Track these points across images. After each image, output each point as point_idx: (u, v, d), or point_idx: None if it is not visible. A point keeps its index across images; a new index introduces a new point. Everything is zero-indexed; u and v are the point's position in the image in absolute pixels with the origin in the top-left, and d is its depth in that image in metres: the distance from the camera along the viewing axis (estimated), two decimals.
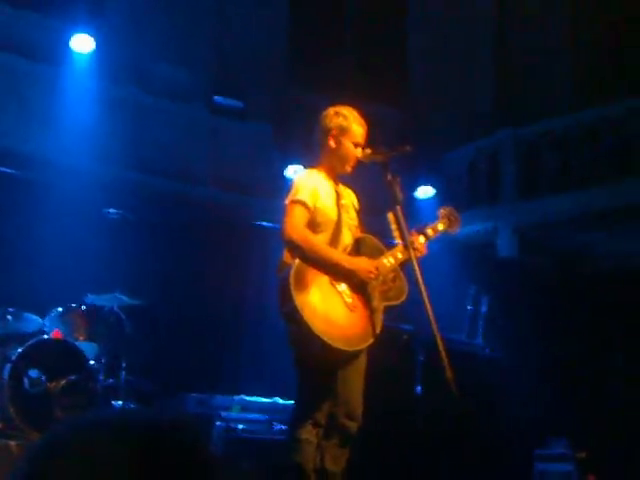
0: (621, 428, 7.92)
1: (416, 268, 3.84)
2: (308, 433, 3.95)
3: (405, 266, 4.16)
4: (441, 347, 3.65)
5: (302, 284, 3.84)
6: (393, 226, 4.04)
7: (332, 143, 4.21)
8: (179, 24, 10.91)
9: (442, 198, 11.11)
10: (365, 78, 12.14)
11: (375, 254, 4.15)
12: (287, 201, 4.06)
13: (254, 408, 7.11)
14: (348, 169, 4.27)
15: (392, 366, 6.38)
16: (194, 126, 10.64)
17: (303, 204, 4.01)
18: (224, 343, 9.11)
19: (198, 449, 1.09)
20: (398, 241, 4.08)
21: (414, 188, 10.85)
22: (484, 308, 7.72)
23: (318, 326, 3.78)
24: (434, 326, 3.73)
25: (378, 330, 4.02)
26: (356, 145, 4.21)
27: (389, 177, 4.06)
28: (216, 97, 10.91)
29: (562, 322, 9.40)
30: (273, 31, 11.83)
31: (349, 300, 3.98)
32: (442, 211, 4.58)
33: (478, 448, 6.49)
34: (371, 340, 4.00)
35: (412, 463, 6.15)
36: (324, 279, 3.95)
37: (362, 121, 4.27)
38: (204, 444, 1.11)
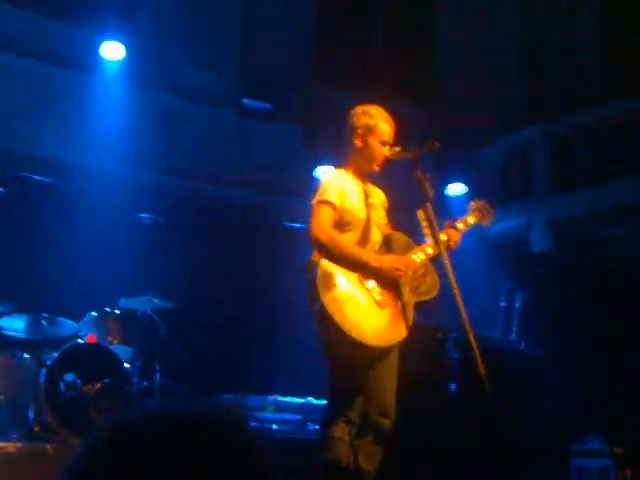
0: None
1: (448, 265, 3.81)
2: (341, 431, 3.95)
3: (437, 263, 4.13)
4: (474, 344, 3.62)
5: (330, 283, 3.85)
6: (424, 223, 4.02)
7: (359, 142, 4.20)
8: (206, 28, 10.95)
9: (474, 195, 11.03)
10: (394, 76, 12.09)
11: (405, 250, 4.13)
12: (314, 202, 4.07)
13: (288, 408, 7.12)
14: (376, 168, 4.25)
15: (426, 364, 6.35)
16: (223, 129, 10.68)
17: (330, 204, 4.02)
18: (257, 344, 9.14)
19: (243, 436, 1.08)
20: (429, 238, 4.06)
21: (445, 185, 10.79)
22: (518, 304, 7.67)
23: (347, 324, 3.77)
24: (466, 323, 3.70)
25: (409, 326, 4.00)
26: (383, 144, 4.19)
27: (419, 174, 4.04)
28: (244, 99, 10.93)
29: (597, 317, 9.29)
30: (300, 31, 11.84)
31: (378, 297, 3.97)
32: (473, 204, 4.55)
33: (514, 445, 6.43)
34: (402, 336, 3.98)
35: (447, 462, 6.11)
36: (352, 277, 3.95)
37: (390, 119, 4.24)
38: (247, 430, 1.10)
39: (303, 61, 11.71)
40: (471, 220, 4.45)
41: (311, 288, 3.87)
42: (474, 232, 4.56)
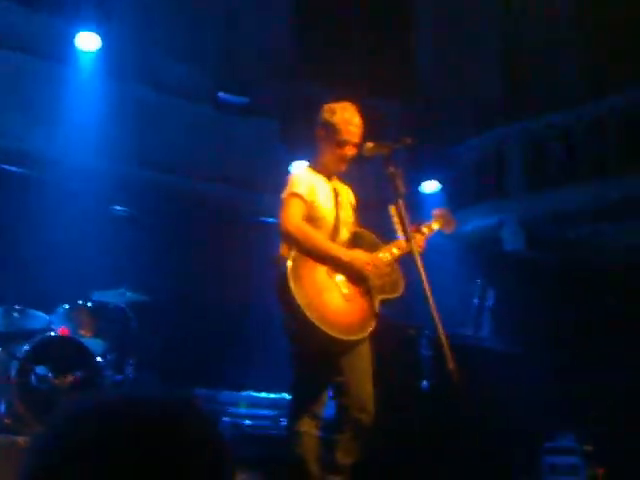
0: (628, 422, 7.91)
1: (418, 262, 3.84)
2: (307, 425, 3.99)
3: (408, 259, 4.16)
4: (443, 340, 3.65)
5: (299, 276, 3.88)
6: (395, 219, 4.04)
7: (324, 140, 4.26)
8: (184, 21, 10.92)
9: (448, 192, 11.12)
10: (371, 72, 12.12)
11: (371, 249, 4.18)
12: (284, 195, 4.10)
13: (261, 404, 7.13)
14: (342, 167, 4.31)
15: (398, 361, 6.39)
16: (200, 123, 10.66)
17: (299, 197, 4.06)
18: (231, 339, 9.14)
19: (203, 429, 1.08)
20: (400, 234, 4.09)
21: (420, 183, 10.84)
22: (490, 302, 7.72)
23: (314, 315, 3.80)
24: (437, 320, 3.73)
25: (375, 321, 4.05)
26: (347, 143, 4.21)
27: (391, 170, 4.05)
28: (220, 93, 10.91)
29: (568, 315, 9.38)
30: (278, 26, 11.83)
31: (345, 291, 4.02)
32: (437, 212, 4.61)
33: (486, 442, 6.49)
34: (368, 331, 4.02)
35: (418, 458, 6.15)
36: (321, 270, 3.99)
37: (357, 119, 4.26)
38: (208, 423, 1.10)
39: (279, 56, 11.70)
40: (435, 226, 4.51)
41: (280, 280, 3.89)
42: (436, 233, 4.59)
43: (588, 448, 7.13)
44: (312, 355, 4.00)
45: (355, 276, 4.05)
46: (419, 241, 4.21)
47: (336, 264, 4.01)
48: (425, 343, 6.55)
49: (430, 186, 10.85)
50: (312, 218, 4.10)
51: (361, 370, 4.09)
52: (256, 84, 11.07)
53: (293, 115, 10.79)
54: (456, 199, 11.44)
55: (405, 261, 4.18)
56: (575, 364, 8.96)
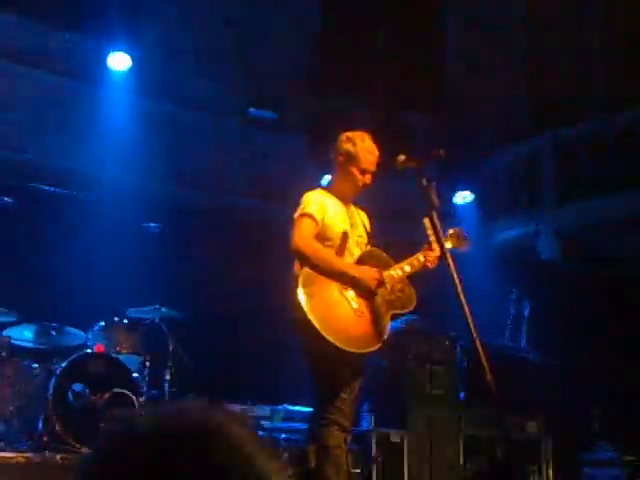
0: None
1: (453, 273, 3.81)
2: (335, 439, 4.01)
3: (443, 271, 4.15)
4: (480, 351, 3.61)
5: (311, 292, 3.98)
6: (429, 232, 4.05)
7: (340, 168, 4.37)
8: (211, 39, 11.01)
9: (481, 203, 11.05)
10: (399, 84, 12.11)
11: (383, 266, 4.26)
12: (296, 215, 4.21)
13: (296, 417, 7.11)
14: (357, 193, 4.42)
15: (435, 372, 6.34)
16: (229, 139, 10.71)
17: (311, 217, 4.17)
18: (265, 352, 9.13)
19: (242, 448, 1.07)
20: (435, 246, 4.12)
21: (452, 193, 10.79)
22: (526, 312, 7.66)
23: (327, 329, 3.89)
24: (473, 331, 3.70)
25: (385, 336, 4.13)
26: (363, 172, 4.33)
27: (424, 183, 4.04)
28: (250, 109, 10.97)
29: (604, 325, 9.26)
30: (304, 41, 11.88)
31: (356, 306, 4.10)
32: (450, 231, 4.61)
33: (524, 454, 6.41)
34: (377, 345, 4.10)
35: (457, 468, 6.10)
36: (332, 287, 4.08)
37: (375, 149, 4.37)
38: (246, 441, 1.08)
39: (306, 70, 11.74)
40: (448, 245, 4.49)
41: (293, 297, 4.01)
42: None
43: (629, 459, 7.01)
44: (328, 368, 4.05)
45: (365, 292, 4.13)
46: (432, 257, 4.23)
47: (345, 280, 4.09)
48: (460, 354, 6.50)
49: (463, 197, 10.79)
50: (323, 237, 4.21)
51: (357, 388, 4.17)
52: (282, 99, 11.11)
53: (320, 129, 10.81)
54: (489, 209, 11.38)
55: (441, 272, 4.17)
56: (613, 373, 8.84)
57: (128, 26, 10.03)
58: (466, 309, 3.75)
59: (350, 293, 4.10)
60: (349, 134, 4.40)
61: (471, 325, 3.69)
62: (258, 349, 9.13)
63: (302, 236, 4.10)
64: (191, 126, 10.44)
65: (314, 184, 4.68)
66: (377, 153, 4.36)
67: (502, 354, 6.75)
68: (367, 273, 4.12)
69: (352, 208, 4.46)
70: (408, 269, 4.24)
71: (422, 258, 4.28)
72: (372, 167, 4.33)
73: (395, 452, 6.06)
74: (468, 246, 4.67)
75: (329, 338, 3.86)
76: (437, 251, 4.35)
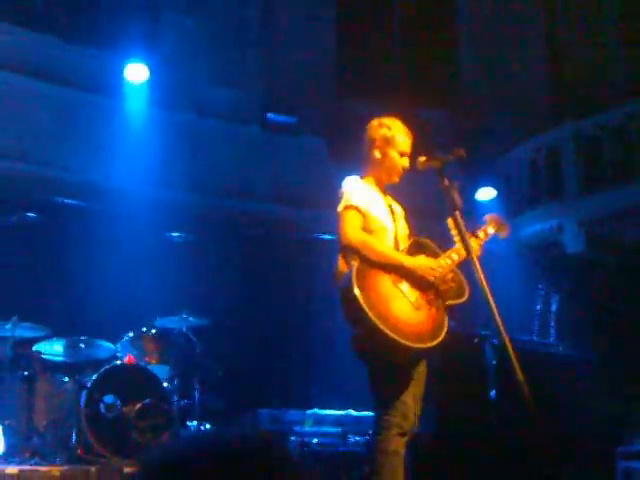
0: None
1: (479, 270, 3.78)
2: (396, 444, 3.87)
3: (467, 269, 4.11)
4: (510, 349, 3.57)
5: (364, 287, 3.78)
6: (453, 232, 3.99)
7: (377, 154, 4.26)
8: (228, 46, 11.04)
9: (503, 198, 10.99)
10: (417, 83, 12.09)
11: (432, 256, 4.12)
12: (340, 208, 4.08)
13: (327, 421, 7.11)
14: (395, 179, 4.31)
15: (464, 371, 6.31)
16: (250, 145, 10.73)
17: (356, 208, 4.04)
18: (294, 358, 9.14)
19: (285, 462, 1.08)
20: (459, 246, 4.04)
21: (474, 190, 10.73)
22: (554, 306, 7.60)
23: (387, 325, 3.71)
24: (501, 328, 3.65)
25: (446, 328, 3.95)
26: (402, 154, 4.25)
27: (446, 183, 4.00)
28: (269, 114, 10.99)
29: (632, 316, 9.17)
30: (321, 43, 11.88)
31: (413, 299, 3.93)
32: (489, 217, 4.53)
33: (558, 449, 6.36)
34: (440, 338, 3.89)
35: (488, 468, 6.06)
36: (386, 280, 3.91)
37: (407, 130, 4.30)
38: (288, 457, 1.10)
39: (324, 73, 11.74)
40: (490, 230, 4.43)
41: (346, 294, 3.79)
42: (492, 237, 4.53)
43: None
44: (387, 365, 3.90)
45: (420, 283, 3.98)
46: (476, 245, 4.16)
47: (400, 272, 3.94)
48: (491, 352, 6.46)
49: (485, 194, 10.73)
50: (369, 230, 4.06)
51: (421, 384, 4.04)
52: (301, 103, 11.12)
53: (340, 131, 10.81)
54: (512, 205, 11.32)
55: (465, 271, 4.13)
56: None
57: (145, 38, 10.09)
58: (493, 307, 3.72)
59: (404, 286, 3.94)
60: (380, 120, 4.31)
61: (499, 323, 3.66)
62: (288, 353, 9.14)
63: (350, 229, 3.97)
64: (211, 134, 10.47)
65: (336, 185, 4.62)
66: (411, 135, 4.29)
67: (531, 350, 6.70)
68: (423, 264, 3.99)
69: (390, 199, 4.35)
70: (456, 257, 4.08)
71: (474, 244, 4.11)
72: (409, 149, 4.26)
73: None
74: (508, 232, 4.60)
75: (389, 334, 3.68)
76: (481, 238, 4.31)
